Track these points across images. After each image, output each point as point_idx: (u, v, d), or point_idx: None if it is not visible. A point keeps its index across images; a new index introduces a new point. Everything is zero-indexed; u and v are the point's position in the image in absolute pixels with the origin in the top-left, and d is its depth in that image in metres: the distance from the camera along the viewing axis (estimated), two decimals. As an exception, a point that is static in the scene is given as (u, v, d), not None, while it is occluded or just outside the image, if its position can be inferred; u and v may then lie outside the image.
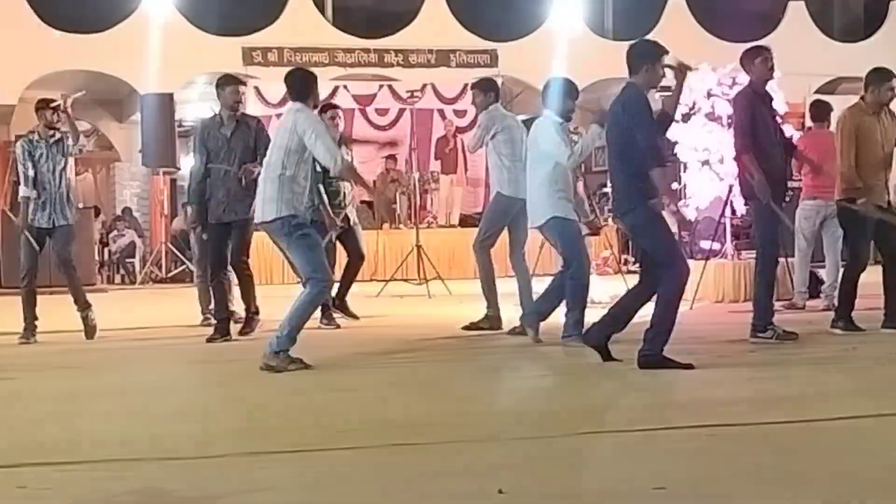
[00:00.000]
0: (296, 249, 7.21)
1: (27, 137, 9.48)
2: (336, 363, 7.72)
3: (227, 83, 9.24)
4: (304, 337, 8.40)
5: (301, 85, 7.32)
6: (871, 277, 8.42)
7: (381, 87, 20.57)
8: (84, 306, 9.22)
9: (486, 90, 9.20)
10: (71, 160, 9.45)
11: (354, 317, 10.13)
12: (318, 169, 8.72)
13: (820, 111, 11.15)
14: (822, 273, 10.95)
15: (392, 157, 19.82)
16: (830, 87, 22.59)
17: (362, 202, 19.91)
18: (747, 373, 6.60)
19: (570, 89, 8.37)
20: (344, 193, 9.96)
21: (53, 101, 9.45)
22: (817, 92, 22.59)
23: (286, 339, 6.98)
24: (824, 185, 10.01)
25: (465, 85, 21.60)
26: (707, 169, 11.58)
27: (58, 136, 9.36)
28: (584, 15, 22.43)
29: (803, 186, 10.74)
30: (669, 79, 7.12)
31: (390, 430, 4.97)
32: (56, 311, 9.36)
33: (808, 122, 11.95)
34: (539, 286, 8.63)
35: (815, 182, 10.26)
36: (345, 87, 20.73)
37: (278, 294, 9.91)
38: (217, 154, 8.96)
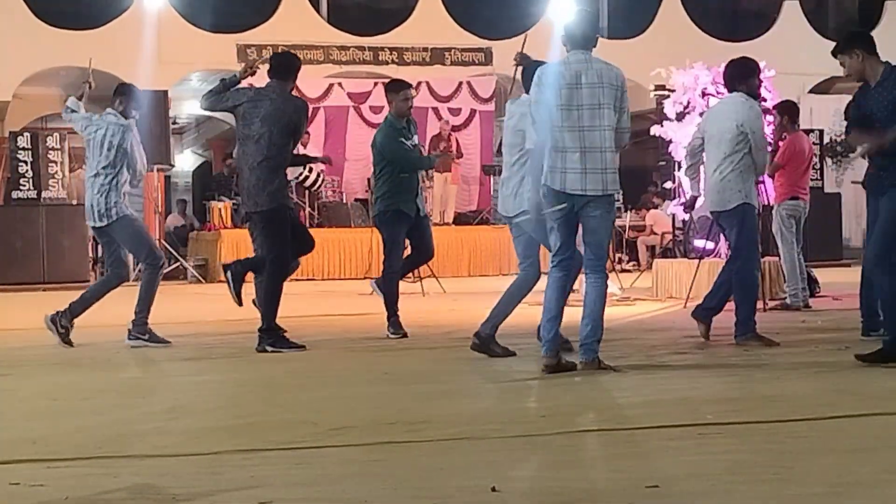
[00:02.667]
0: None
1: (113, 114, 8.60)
2: (329, 360, 7.72)
3: (403, 87, 9.04)
4: (298, 333, 8.43)
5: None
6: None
7: (375, 84, 20.56)
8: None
9: None
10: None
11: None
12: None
13: (794, 113, 10.97)
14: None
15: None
16: (825, 87, 22.64)
17: (356, 200, 19.96)
18: (739, 371, 6.60)
19: (747, 67, 7.97)
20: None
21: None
22: (811, 91, 22.66)
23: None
24: (802, 186, 10.26)
25: (460, 83, 21.67)
26: (702, 168, 11.57)
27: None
28: (578, 13, 22.41)
29: (780, 188, 10.65)
30: None
31: (382, 427, 4.97)
32: (47, 307, 9.34)
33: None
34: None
35: (795, 183, 10.36)
36: (339, 84, 20.76)
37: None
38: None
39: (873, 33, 6.97)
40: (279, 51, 21.09)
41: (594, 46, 6.64)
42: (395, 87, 9.24)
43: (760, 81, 8.09)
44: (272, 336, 7.99)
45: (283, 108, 8.00)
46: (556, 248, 6.64)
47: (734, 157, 7.76)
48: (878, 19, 23.40)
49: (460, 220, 20.50)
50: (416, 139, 9.18)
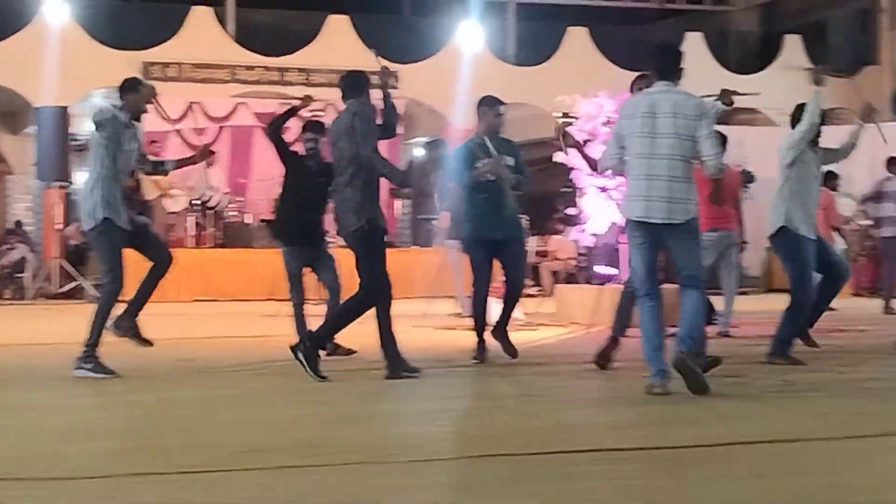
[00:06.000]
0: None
1: (113, 112, 7.87)
2: (241, 382, 7.64)
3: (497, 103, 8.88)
4: (204, 354, 8.31)
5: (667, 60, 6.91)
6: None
7: (281, 105, 20.45)
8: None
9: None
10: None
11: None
12: None
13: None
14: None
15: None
16: (724, 119, 23.08)
17: (262, 220, 19.81)
18: (639, 398, 6.63)
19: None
20: None
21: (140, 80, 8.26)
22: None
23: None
24: (725, 216, 10.31)
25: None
26: (605, 195, 11.73)
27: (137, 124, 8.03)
28: (486, 39, 22.62)
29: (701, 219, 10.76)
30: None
31: (295, 450, 4.95)
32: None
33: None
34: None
35: (715, 214, 10.26)
36: (245, 104, 20.65)
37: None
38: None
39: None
40: (184, 68, 20.92)
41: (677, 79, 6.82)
42: (490, 102, 9.03)
43: None
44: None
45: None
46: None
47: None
48: (777, 52, 23.94)
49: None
50: (508, 159, 8.81)
